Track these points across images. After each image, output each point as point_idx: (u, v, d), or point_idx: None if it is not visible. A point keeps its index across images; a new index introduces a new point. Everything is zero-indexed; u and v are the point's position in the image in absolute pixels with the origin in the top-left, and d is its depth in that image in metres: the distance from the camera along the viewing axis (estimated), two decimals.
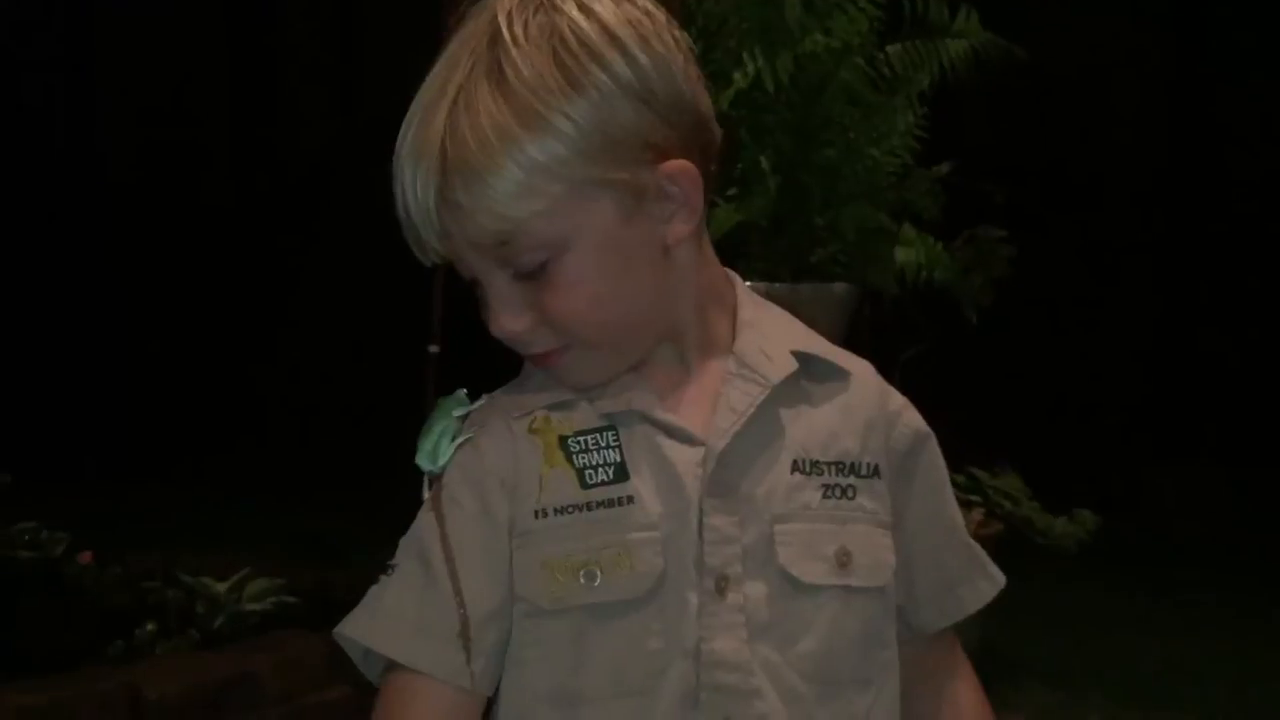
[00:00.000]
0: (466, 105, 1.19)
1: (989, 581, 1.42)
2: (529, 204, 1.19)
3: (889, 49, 4.12)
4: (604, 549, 1.21)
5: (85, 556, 4.36)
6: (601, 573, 1.21)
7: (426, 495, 1.27)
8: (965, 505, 4.41)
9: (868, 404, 1.34)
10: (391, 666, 1.25)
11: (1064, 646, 5.27)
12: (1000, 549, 4.43)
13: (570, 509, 1.22)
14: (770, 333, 1.32)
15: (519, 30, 1.20)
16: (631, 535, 1.22)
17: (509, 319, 1.24)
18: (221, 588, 4.26)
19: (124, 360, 8.34)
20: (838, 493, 1.28)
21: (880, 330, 3.93)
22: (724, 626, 1.22)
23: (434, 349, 4.84)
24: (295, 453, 7.43)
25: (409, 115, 1.22)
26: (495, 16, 1.21)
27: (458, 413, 1.28)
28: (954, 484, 4.20)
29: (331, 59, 8.89)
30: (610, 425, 1.25)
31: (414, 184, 1.21)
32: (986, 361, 6.95)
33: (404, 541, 1.27)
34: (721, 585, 1.22)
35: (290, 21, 8.78)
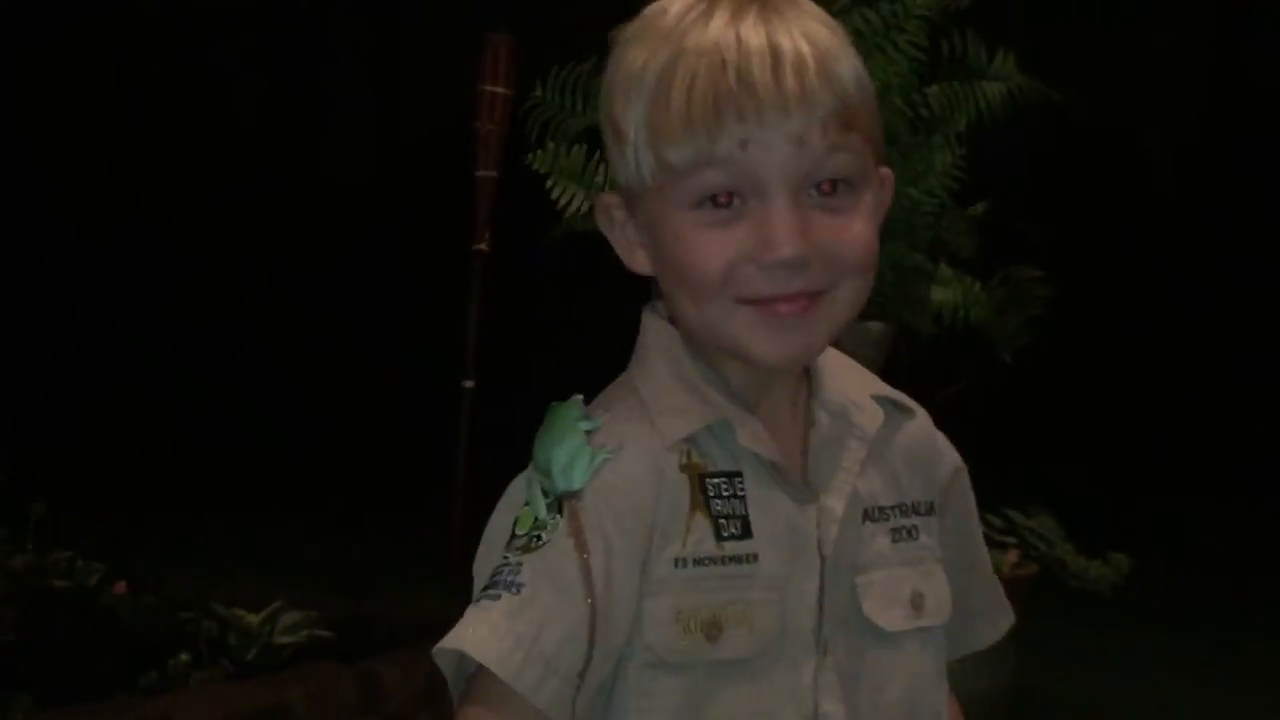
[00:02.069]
0: (810, 25, 1.19)
1: (1005, 618, 1.42)
2: (867, 125, 1.20)
3: (927, 90, 4.14)
4: (729, 605, 1.19)
5: (120, 586, 4.38)
6: (724, 630, 1.18)
7: (553, 514, 1.19)
8: (1000, 546, 4.40)
9: (924, 440, 1.34)
10: (484, 675, 1.17)
11: (1098, 689, 5.23)
12: (1035, 591, 4.42)
13: (707, 561, 1.19)
14: (843, 374, 1.30)
15: None
16: (754, 594, 1.20)
17: (797, 238, 1.16)
18: (255, 619, 4.27)
19: (161, 390, 8.38)
20: (905, 534, 1.29)
21: (916, 370, 3.93)
22: (827, 686, 1.22)
23: (468, 384, 4.87)
24: (330, 483, 7.45)
25: (709, 24, 1.17)
26: None
27: (585, 426, 1.20)
28: (988, 524, 4.19)
29: (373, 100, 8.95)
30: (738, 471, 1.22)
31: (774, 66, 1.15)
32: (1022, 402, 6.92)
33: (531, 561, 1.17)
34: (824, 645, 1.23)
35: (340, 64, 8.85)
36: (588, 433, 1.20)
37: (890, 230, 3.85)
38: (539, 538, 1.18)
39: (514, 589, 1.17)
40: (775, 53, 1.15)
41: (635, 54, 1.21)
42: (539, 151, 4.03)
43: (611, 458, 1.19)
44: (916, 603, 1.27)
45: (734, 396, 1.24)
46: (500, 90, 4.79)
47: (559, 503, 1.19)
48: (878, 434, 1.28)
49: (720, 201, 1.18)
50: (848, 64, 1.19)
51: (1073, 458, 7.66)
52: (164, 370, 8.44)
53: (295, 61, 8.66)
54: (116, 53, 8.73)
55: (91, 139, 8.69)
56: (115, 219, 8.65)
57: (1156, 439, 8.26)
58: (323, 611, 4.41)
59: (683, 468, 1.21)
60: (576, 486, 1.18)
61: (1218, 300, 8.47)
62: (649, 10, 1.23)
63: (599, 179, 3.99)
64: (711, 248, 1.18)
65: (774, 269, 1.17)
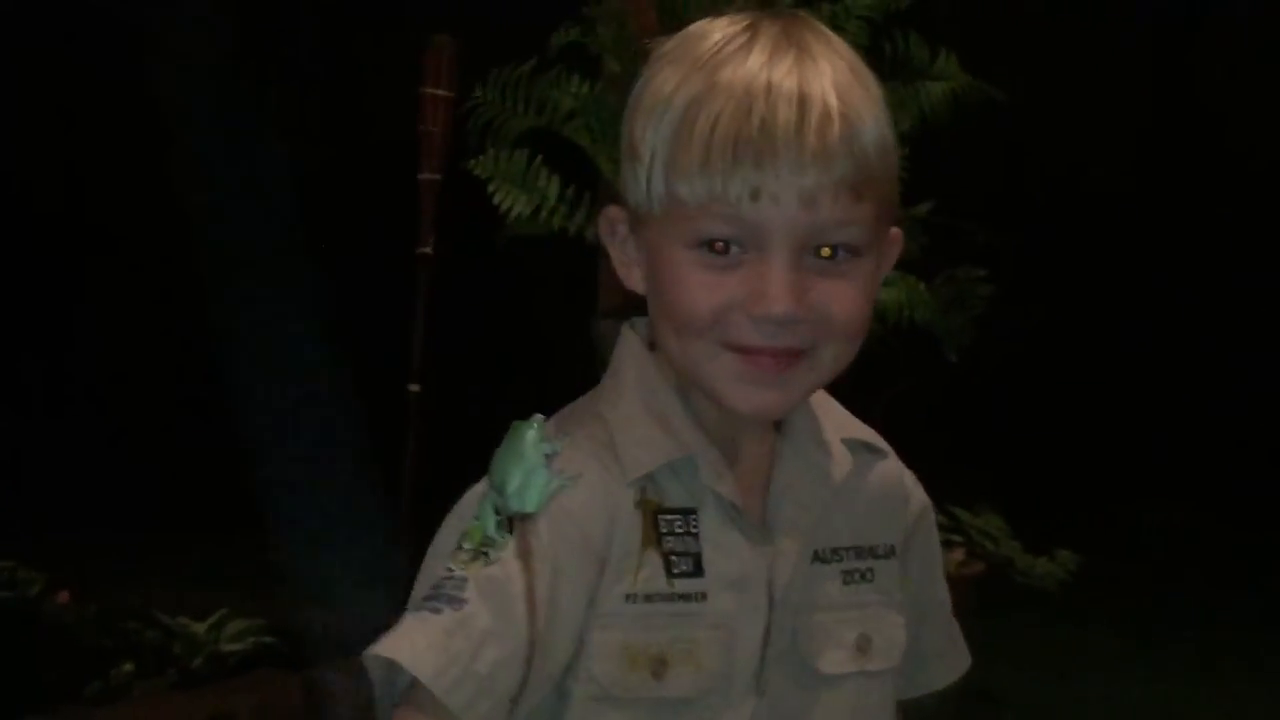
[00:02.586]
0: (843, 76, 1.18)
1: (962, 661, 1.42)
2: (883, 190, 1.19)
3: None
4: (676, 643, 1.19)
5: (62, 596, 4.34)
6: (670, 667, 1.18)
7: (501, 533, 1.18)
8: (946, 545, 4.40)
9: (892, 482, 1.34)
10: (416, 689, 1.15)
11: (1046, 685, 5.26)
12: (981, 588, 4.44)
13: (657, 598, 1.19)
14: (816, 415, 1.30)
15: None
16: (701, 633, 1.20)
17: (792, 298, 1.15)
18: (200, 628, 4.24)
19: (100, 398, 8.30)
20: (857, 577, 1.28)
21: (862, 370, 3.94)
22: None
23: (414, 388, 4.85)
24: (274, 489, 7.39)
25: (744, 62, 1.17)
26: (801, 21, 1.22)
27: (545, 450, 1.19)
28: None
29: (313, 103, 8.90)
30: (693, 508, 1.21)
31: (798, 119, 1.14)
32: (967, 401, 6.96)
33: (476, 578, 1.16)
34: (763, 687, 1.23)
35: (283, 65, 8.79)
36: (547, 456, 1.19)
37: None
38: (486, 555, 1.17)
39: (456, 604, 1.15)
40: (803, 105, 1.14)
41: (667, 77, 1.20)
42: (480, 157, 4.02)
43: (568, 486, 1.18)
44: (862, 645, 1.27)
45: (704, 431, 1.23)
46: (443, 93, 4.76)
47: (510, 522, 1.18)
48: (844, 481, 1.28)
49: (717, 248, 1.17)
50: (873, 126, 1.18)
51: (1018, 456, 7.70)
52: (103, 379, 8.36)
53: (235, 66, 8.59)
54: (57, 61, 8.64)
55: (32, 148, 8.61)
56: (58, 228, 8.57)
57: (1101, 437, 8.32)
58: (268, 619, 4.38)
59: (637, 504, 1.20)
60: (530, 510, 1.17)
61: (1164, 297, 8.53)
62: (691, 30, 1.23)
63: (540, 183, 3.98)
64: (704, 290, 1.18)
65: (763, 323, 1.17)
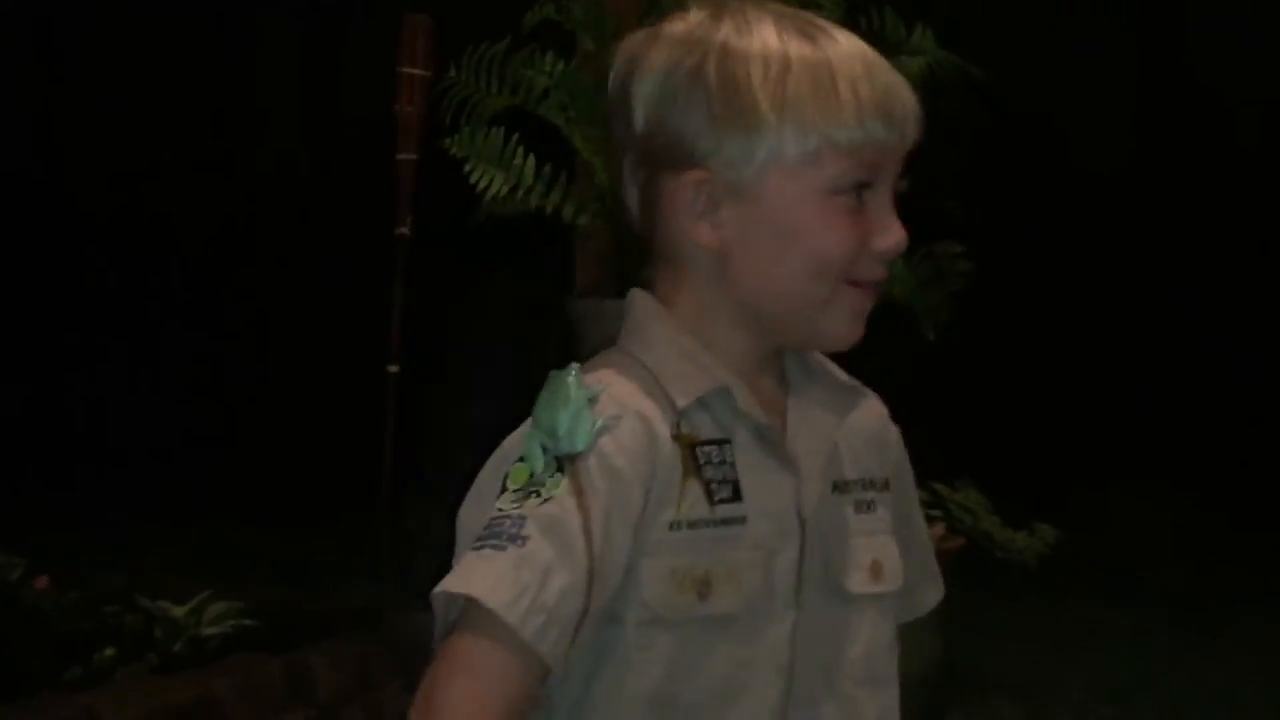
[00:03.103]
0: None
1: (938, 586, 1.54)
2: None
3: None
4: (719, 564, 1.27)
5: (42, 581, 4.32)
6: (714, 587, 1.27)
7: (551, 472, 1.25)
8: (927, 520, 4.42)
9: (880, 422, 1.47)
10: (484, 617, 1.21)
11: (1026, 660, 5.28)
12: (961, 563, 4.45)
13: (700, 524, 1.28)
14: (819, 358, 1.43)
15: None
16: (741, 554, 1.29)
17: (902, 230, 1.35)
18: (180, 611, 4.22)
19: (81, 381, 8.28)
20: (865, 507, 1.40)
21: None
22: (800, 642, 1.32)
23: (393, 369, 4.84)
24: (255, 475, 7.38)
25: (835, 45, 1.33)
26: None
27: (588, 392, 1.27)
28: None
29: (296, 74, 8.85)
30: (727, 439, 1.31)
31: (911, 112, 1.34)
32: (946, 377, 6.97)
33: (534, 516, 1.23)
34: (801, 601, 1.32)
35: (260, 45, 8.74)
36: (589, 400, 1.26)
37: None
38: (537, 494, 1.24)
39: (519, 541, 1.22)
40: (892, 71, 1.35)
41: (761, 40, 1.32)
42: (456, 136, 4.01)
43: (612, 425, 1.26)
44: (875, 570, 1.38)
45: (728, 366, 1.33)
46: (419, 72, 4.75)
47: (560, 463, 1.25)
48: (845, 417, 1.40)
49: (858, 190, 1.32)
50: None
51: (997, 432, 7.72)
52: (81, 363, 8.33)
53: (211, 47, 8.55)
54: (37, 36, 8.59)
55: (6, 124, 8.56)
56: (40, 212, 8.52)
57: (1081, 412, 8.34)
58: (250, 602, 4.37)
59: (675, 437, 1.29)
60: (580, 449, 1.25)
61: (1146, 276, 8.55)
62: (728, 29, 1.33)
63: (518, 161, 3.97)
64: (847, 231, 1.31)
65: (886, 256, 1.34)
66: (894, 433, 1.47)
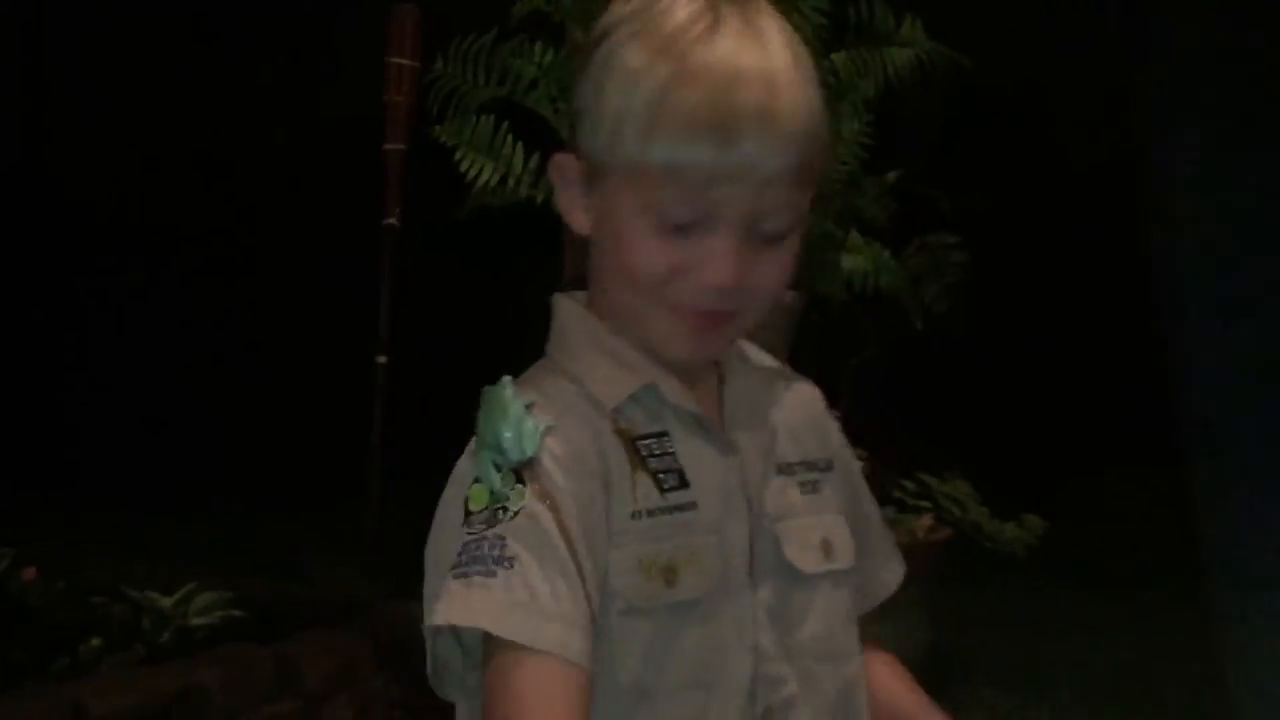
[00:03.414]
0: (804, 77, 1.27)
1: (901, 565, 1.52)
2: (818, 173, 1.28)
3: (834, 56, 4.14)
4: (679, 549, 1.28)
5: (29, 572, 4.32)
6: (679, 573, 1.27)
7: (511, 485, 1.24)
8: (914, 511, 4.43)
9: (813, 402, 1.47)
10: (504, 649, 1.20)
11: (1015, 650, 5.29)
12: (949, 554, 4.46)
13: (657, 511, 1.28)
14: (750, 345, 1.43)
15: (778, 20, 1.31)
16: (698, 538, 1.29)
17: (736, 272, 1.26)
18: (168, 602, 4.22)
19: (68, 374, 8.26)
20: (810, 488, 1.40)
21: (828, 337, 3.94)
22: (759, 621, 1.32)
23: (381, 360, 4.83)
24: (242, 465, 7.37)
25: (714, 47, 1.24)
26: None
27: (523, 400, 1.26)
28: (903, 489, 4.21)
29: (280, 74, 8.83)
30: (664, 431, 1.32)
31: (763, 116, 1.23)
32: (933, 368, 6.97)
33: (511, 532, 1.22)
34: (754, 584, 1.32)
35: (249, 36, 8.72)
36: (527, 406, 1.26)
37: None
38: (504, 509, 1.23)
39: (505, 563, 1.21)
40: (771, 93, 1.23)
41: (634, 53, 1.27)
42: (444, 124, 4.00)
43: (555, 425, 1.26)
44: (826, 549, 1.38)
45: (656, 361, 1.33)
46: (407, 62, 4.74)
47: (516, 474, 1.24)
48: (780, 401, 1.41)
49: (674, 223, 1.26)
50: (819, 115, 1.28)
51: (985, 423, 7.73)
52: (69, 353, 8.32)
53: (200, 38, 8.53)
54: (27, 29, 8.57)
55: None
56: (31, 205, 8.50)
57: (1068, 403, 8.35)
58: (237, 593, 4.37)
59: (615, 432, 1.29)
60: (530, 454, 1.24)
61: (1135, 265, 8.54)
62: (647, 10, 1.29)
63: (507, 150, 3.96)
64: (657, 254, 1.27)
65: (707, 291, 1.27)
66: (827, 413, 1.47)
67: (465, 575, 1.21)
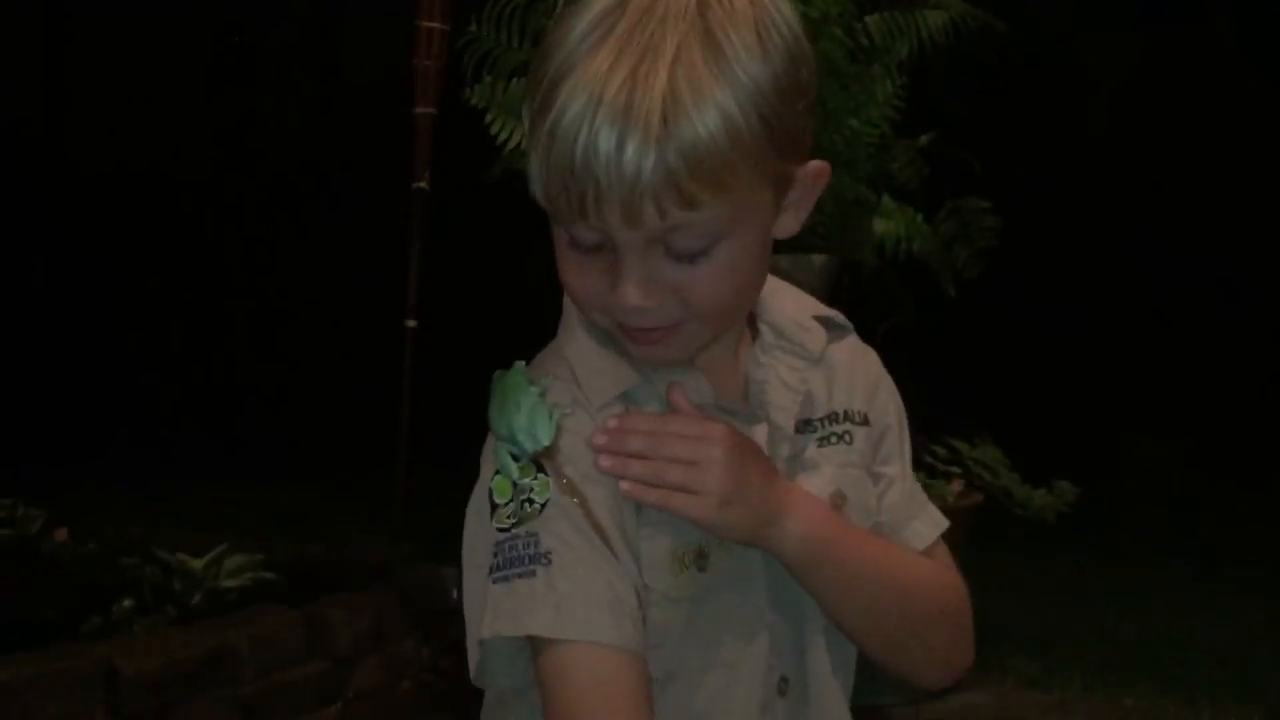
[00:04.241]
0: (687, 71, 1.13)
1: (933, 522, 1.43)
2: (731, 180, 1.15)
3: (868, 19, 4.11)
4: (707, 535, 1.24)
5: (61, 533, 4.34)
6: (710, 557, 1.24)
7: (532, 475, 1.21)
8: (945, 477, 4.41)
9: (859, 356, 1.41)
10: (556, 644, 1.19)
11: (1044, 616, 5.28)
12: (980, 520, 4.44)
13: None
14: (785, 300, 1.36)
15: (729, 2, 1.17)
16: None
17: (641, 294, 1.19)
18: (199, 564, 4.24)
19: (101, 337, 8.29)
20: (834, 439, 1.34)
21: (859, 301, 3.92)
22: (771, 587, 1.29)
23: (411, 324, 4.83)
24: (273, 429, 7.40)
25: (588, 68, 1.14)
26: None
27: (537, 387, 1.23)
28: (933, 455, 4.19)
29: (309, 39, 8.83)
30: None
31: (617, 143, 1.12)
32: (966, 333, 6.95)
33: (542, 527, 1.20)
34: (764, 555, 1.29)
35: (270, 7, 8.71)
36: (539, 394, 1.23)
37: (831, 162, 3.85)
38: (530, 502, 1.21)
39: (543, 560, 1.19)
40: (626, 123, 1.12)
41: (539, 60, 1.20)
42: (476, 86, 3.98)
43: (570, 412, 1.23)
44: (837, 502, 1.32)
45: None
46: (437, 25, 4.71)
47: (536, 464, 1.21)
48: (821, 352, 1.35)
49: (581, 245, 1.20)
50: (715, 118, 1.13)
51: (1016, 389, 7.71)
52: (102, 318, 8.35)
53: (229, 1, 8.54)
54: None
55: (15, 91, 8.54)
56: (48, 174, 8.52)
57: (1099, 369, 8.32)
58: (268, 555, 4.38)
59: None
60: (546, 443, 1.21)
61: (1167, 232, 8.50)
62: (577, 7, 1.20)
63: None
64: (576, 276, 1.22)
65: (623, 311, 1.20)
66: (875, 366, 1.42)
67: (506, 580, 1.20)
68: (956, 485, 4.42)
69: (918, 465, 4.47)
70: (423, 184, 4.82)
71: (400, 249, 4.91)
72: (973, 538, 4.42)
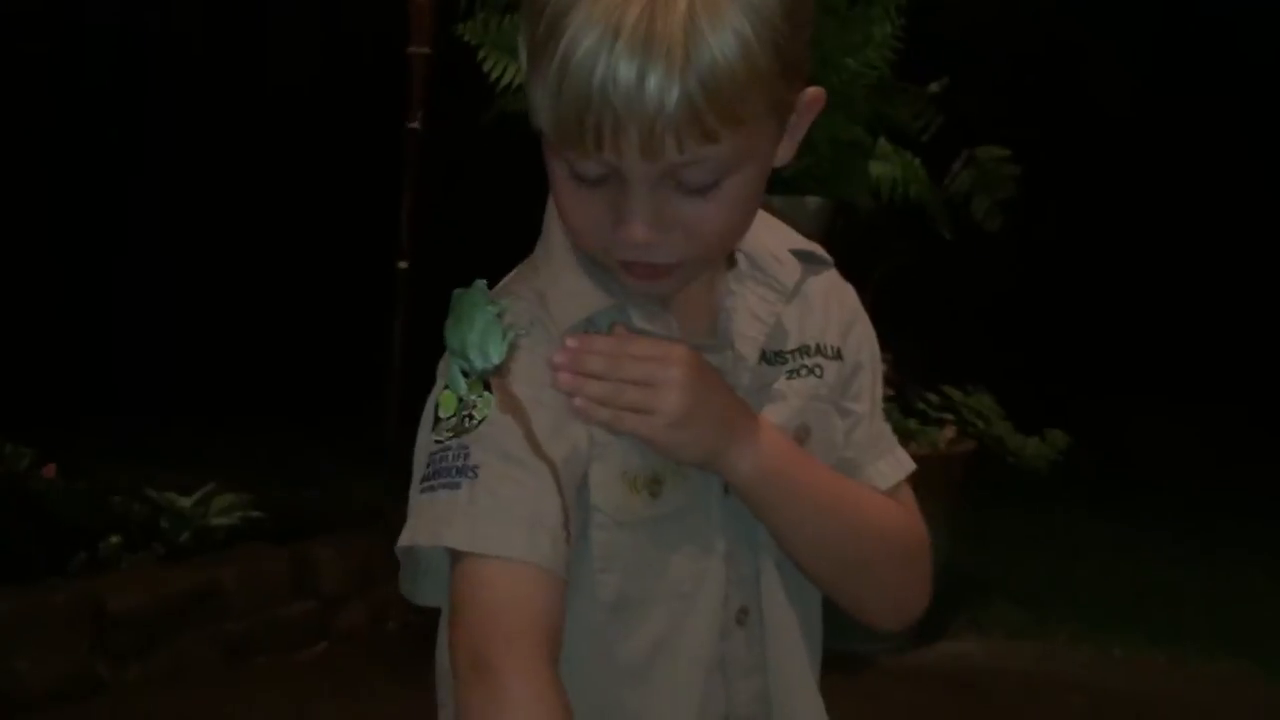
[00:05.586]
0: (705, 2, 1.10)
1: (897, 463, 1.41)
2: (746, 111, 1.12)
3: None
4: (663, 461, 1.23)
5: (49, 470, 4.33)
6: (664, 484, 1.23)
7: (477, 393, 1.20)
8: (938, 424, 4.39)
9: (836, 289, 1.39)
10: (469, 557, 1.17)
11: (1034, 568, 5.29)
12: (972, 469, 4.43)
13: None
14: (763, 231, 1.32)
15: None
16: None
17: (649, 229, 1.16)
18: (187, 502, 4.24)
19: (89, 277, 8.26)
20: (804, 372, 1.33)
21: (854, 245, 3.89)
22: (728, 519, 1.28)
23: (403, 265, 4.80)
24: (262, 371, 7.38)
25: (601, 38, 1.09)
26: None
27: (494, 309, 1.21)
28: (926, 402, 4.16)
29: None
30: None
31: (639, 74, 1.08)
32: (960, 279, 6.93)
33: (475, 441, 1.18)
34: (723, 484, 1.27)
35: None
36: (496, 315, 1.21)
37: (827, 103, 3.81)
38: (470, 417, 1.20)
39: (469, 473, 1.18)
40: (647, 53, 1.08)
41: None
42: (468, 21, 3.94)
43: (525, 332, 1.22)
44: (800, 436, 1.31)
45: None
46: None
47: (484, 382, 1.20)
48: (795, 285, 1.32)
49: (584, 178, 1.17)
50: (735, 46, 1.10)
51: (1012, 337, 7.70)
52: (92, 261, 8.31)
53: None
54: None
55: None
56: (47, 115, 8.47)
57: (1095, 320, 8.31)
58: (256, 495, 4.38)
59: None
60: (496, 362, 1.20)
61: (1165, 185, 8.47)
62: None
63: (515, 39, 3.90)
64: (578, 207, 1.19)
65: (625, 245, 1.18)
66: (852, 301, 1.39)
67: (431, 490, 1.19)
68: (949, 431, 4.40)
69: (910, 411, 4.44)
70: (416, 124, 4.78)
71: (393, 189, 4.88)
72: (965, 489, 4.41)
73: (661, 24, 1.09)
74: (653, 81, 1.09)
